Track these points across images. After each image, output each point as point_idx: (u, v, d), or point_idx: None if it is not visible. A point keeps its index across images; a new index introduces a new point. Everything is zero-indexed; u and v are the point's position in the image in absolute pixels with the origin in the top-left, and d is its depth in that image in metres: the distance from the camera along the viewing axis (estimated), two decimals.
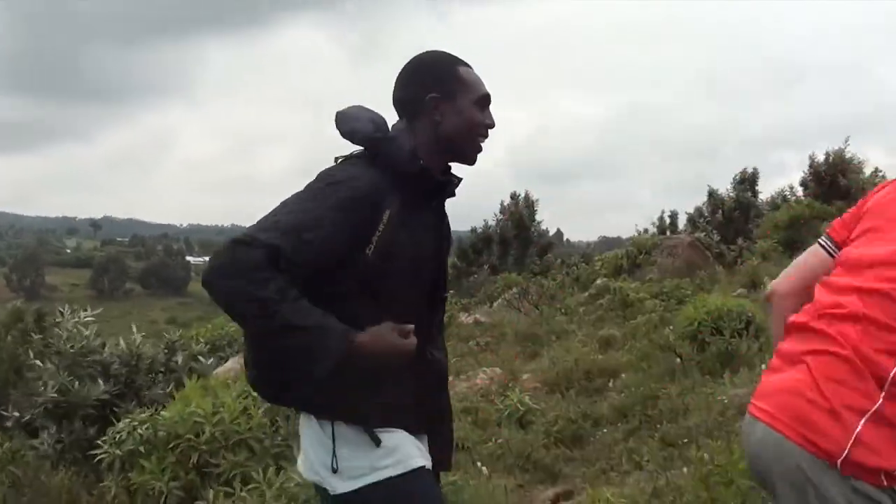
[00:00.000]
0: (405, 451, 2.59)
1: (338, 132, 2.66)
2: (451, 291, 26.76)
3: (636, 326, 13.67)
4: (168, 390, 7.87)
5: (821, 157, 24.78)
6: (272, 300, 2.31)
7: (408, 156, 2.62)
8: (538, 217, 36.77)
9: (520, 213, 35.68)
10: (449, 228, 2.90)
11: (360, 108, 2.70)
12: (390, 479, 2.54)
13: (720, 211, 26.42)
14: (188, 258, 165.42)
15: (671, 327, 11.63)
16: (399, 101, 2.77)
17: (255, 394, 2.72)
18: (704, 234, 24.41)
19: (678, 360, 10.20)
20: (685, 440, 7.34)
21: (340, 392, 2.50)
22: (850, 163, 24.91)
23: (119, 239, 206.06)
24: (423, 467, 2.63)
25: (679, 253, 20.63)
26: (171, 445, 6.00)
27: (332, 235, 2.45)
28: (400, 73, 2.78)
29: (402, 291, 2.61)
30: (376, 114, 2.70)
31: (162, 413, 6.33)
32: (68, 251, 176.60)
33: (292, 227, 2.39)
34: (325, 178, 2.57)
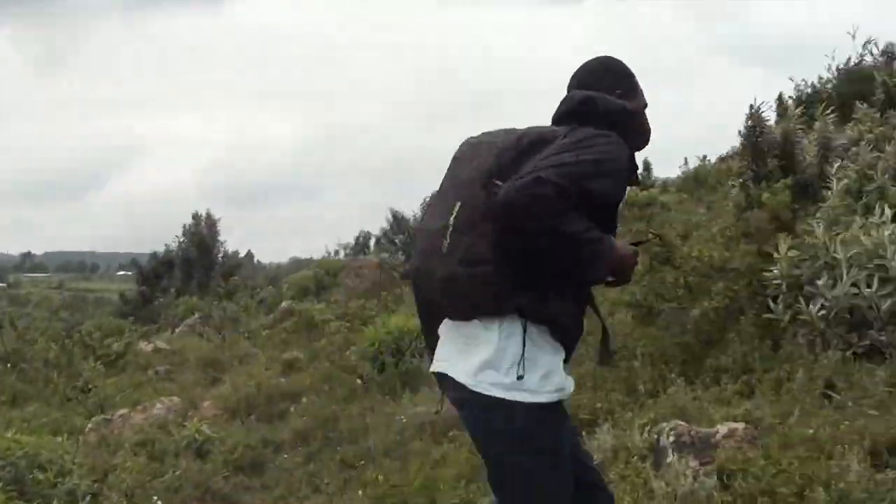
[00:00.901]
0: (560, 380, 2.96)
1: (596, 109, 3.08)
2: (132, 318, 25.77)
3: (320, 348, 13.64)
4: None
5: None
6: (576, 229, 2.80)
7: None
8: (222, 238, 36.10)
9: (202, 234, 34.90)
10: None
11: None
12: (544, 403, 2.91)
13: (405, 232, 26.91)
14: None
15: (354, 348, 11.66)
16: (589, 88, 3.21)
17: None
18: (389, 254, 24.82)
19: (359, 380, 10.24)
20: (363, 461, 7.35)
21: (555, 303, 2.92)
22: None
23: None
24: (562, 401, 3.01)
25: (366, 274, 20.92)
26: None
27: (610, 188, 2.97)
28: (587, 67, 3.34)
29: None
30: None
31: None
32: None
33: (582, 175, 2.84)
34: (608, 143, 2.96)
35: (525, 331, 2.89)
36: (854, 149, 9.49)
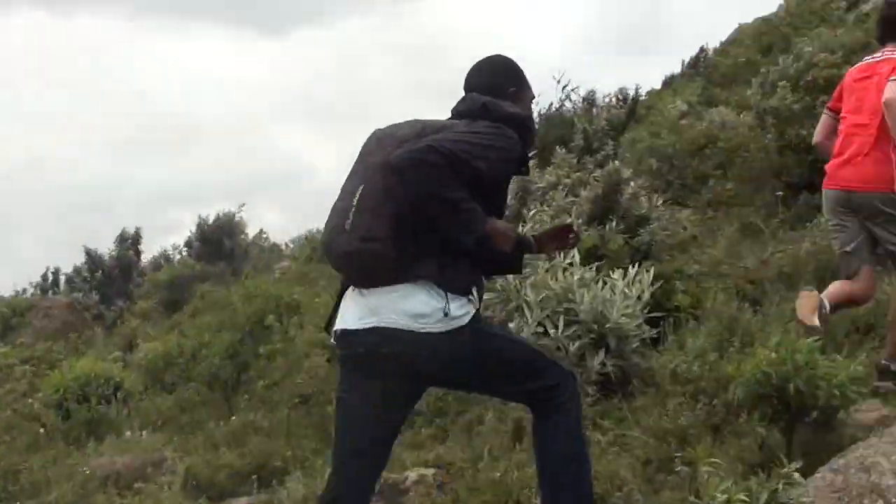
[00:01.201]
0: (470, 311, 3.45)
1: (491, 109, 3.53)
2: None
3: (2, 395, 12.89)
4: None
5: (212, 219, 25.12)
6: (454, 196, 3.24)
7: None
8: None
9: None
10: None
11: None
12: (469, 323, 3.42)
13: (100, 271, 25.71)
14: None
15: (39, 394, 11.06)
16: (484, 85, 3.71)
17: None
18: (82, 293, 23.75)
19: (42, 429, 9.70)
20: None
21: (451, 271, 3.36)
22: (237, 226, 25.57)
23: None
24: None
25: (56, 314, 20.00)
26: None
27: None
28: (481, 66, 3.81)
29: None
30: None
31: None
32: None
33: (469, 156, 3.30)
34: (502, 136, 3.44)
35: (436, 287, 3.34)
36: (551, 193, 9.83)
